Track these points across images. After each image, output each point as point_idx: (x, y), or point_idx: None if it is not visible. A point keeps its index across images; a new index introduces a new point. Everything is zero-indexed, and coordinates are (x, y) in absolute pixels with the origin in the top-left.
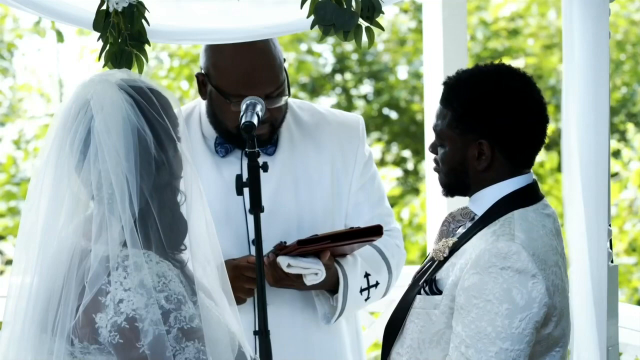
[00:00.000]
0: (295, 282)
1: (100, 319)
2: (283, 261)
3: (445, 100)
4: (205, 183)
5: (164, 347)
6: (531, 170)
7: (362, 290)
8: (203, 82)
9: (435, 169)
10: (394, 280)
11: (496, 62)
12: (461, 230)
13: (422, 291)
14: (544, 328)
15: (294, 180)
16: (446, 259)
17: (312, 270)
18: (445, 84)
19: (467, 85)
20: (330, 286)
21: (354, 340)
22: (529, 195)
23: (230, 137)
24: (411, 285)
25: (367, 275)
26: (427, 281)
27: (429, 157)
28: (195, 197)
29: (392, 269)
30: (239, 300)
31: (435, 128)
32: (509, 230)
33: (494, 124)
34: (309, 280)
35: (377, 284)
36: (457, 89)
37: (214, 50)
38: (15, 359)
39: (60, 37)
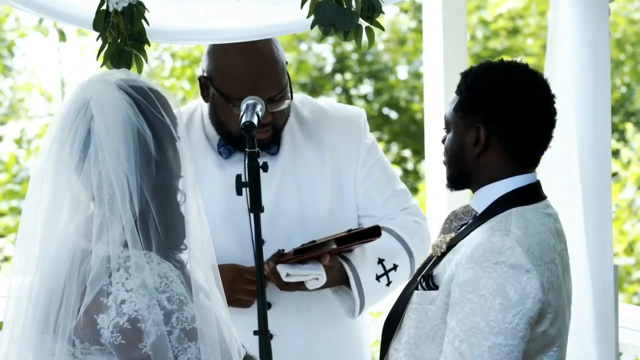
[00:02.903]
0: (300, 286)
1: (102, 319)
2: (282, 270)
3: (458, 87)
4: (209, 183)
5: (166, 348)
6: (535, 171)
7: (378, 277)
8: (205, 85)
9: (444, 162)
10: (418, 259)
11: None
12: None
13: (419, 287)
14: (539, 325)
15: (297, 180)
16: (444, 254)
17: (312, 276)
18: (461, 73)
19: (478, 72)
20: (342, 282)
21: (357, 339)
22: (530, 195)
23: (232, 139)
24: (410, 280)
25: (381, 261)
26: (424, 277)
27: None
28: (192, 197)
29: (412, 248)
30: (243, 303)
31: (445, 115)
32: (504, 226)
33: (499, 116)
34: (310, 286)
35: (395, 266)
36: (469, 76)
37: (216, 53)
38: None
39: (62, 36)
